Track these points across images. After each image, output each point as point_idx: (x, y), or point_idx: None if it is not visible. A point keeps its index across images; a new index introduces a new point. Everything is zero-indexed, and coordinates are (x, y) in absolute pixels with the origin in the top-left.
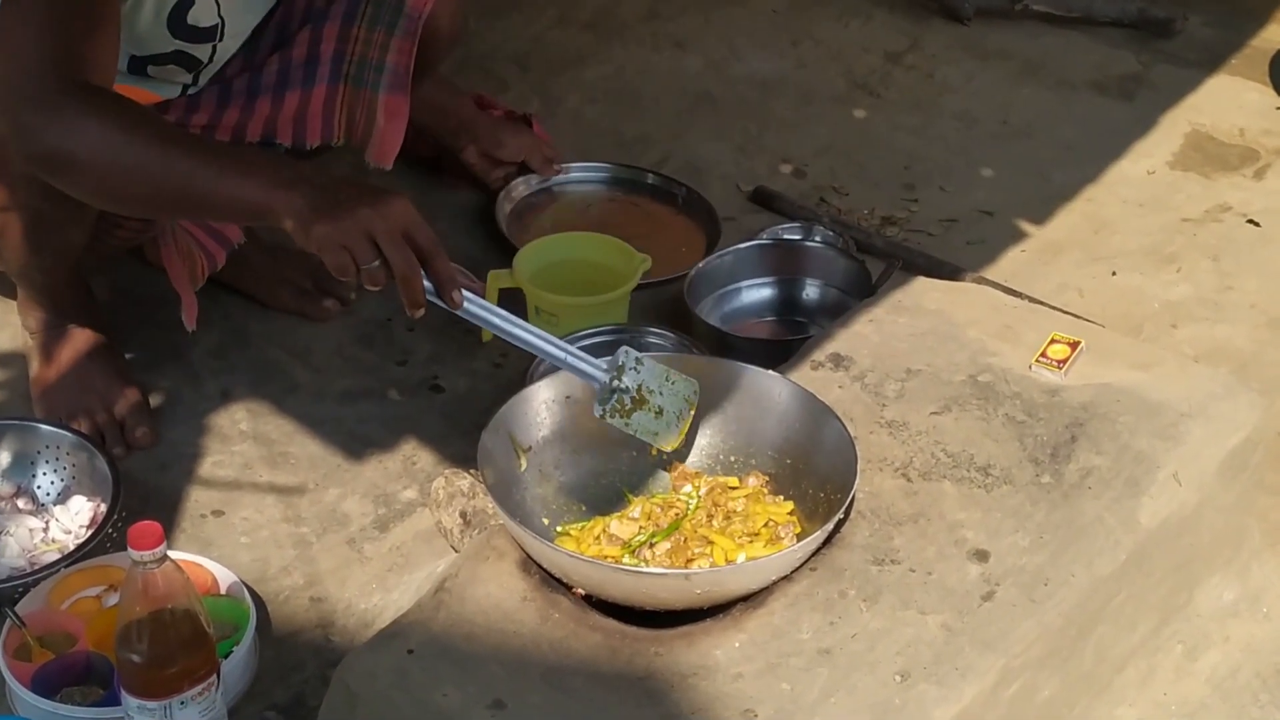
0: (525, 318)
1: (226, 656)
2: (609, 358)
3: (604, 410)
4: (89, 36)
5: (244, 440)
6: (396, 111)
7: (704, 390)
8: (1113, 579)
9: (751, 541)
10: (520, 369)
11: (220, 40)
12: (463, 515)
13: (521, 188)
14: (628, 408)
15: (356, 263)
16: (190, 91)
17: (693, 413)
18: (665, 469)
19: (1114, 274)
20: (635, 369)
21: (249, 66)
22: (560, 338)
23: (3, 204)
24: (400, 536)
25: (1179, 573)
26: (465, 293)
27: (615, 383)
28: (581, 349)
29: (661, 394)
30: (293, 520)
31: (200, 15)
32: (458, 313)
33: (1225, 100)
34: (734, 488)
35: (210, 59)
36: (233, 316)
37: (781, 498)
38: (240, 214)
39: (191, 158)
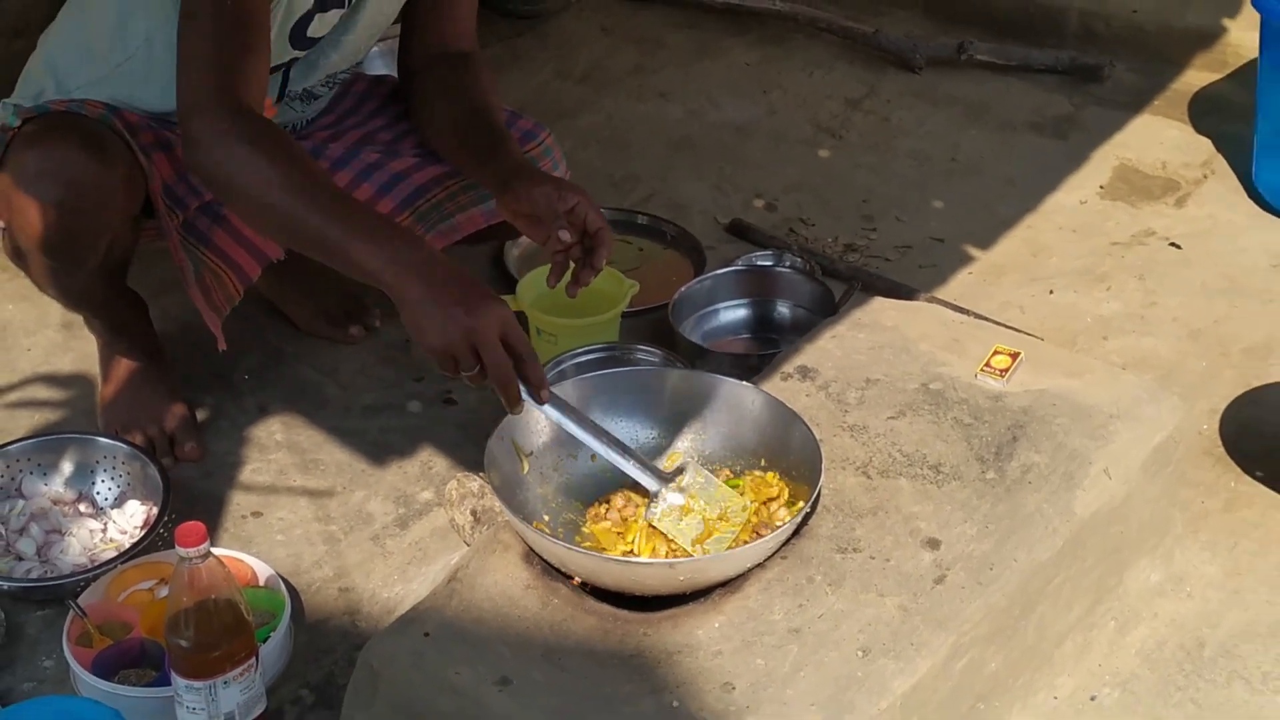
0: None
1: (264, 641)
2: (672, 469)
3: (653, 516)
4: (248, 52)
5: (279, 449)
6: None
7: (686, 399)
8: (1051, 563)
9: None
10: None
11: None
12: (473, 513)
13: (524, 238)
14: (676, 517)
15: (459, 368)
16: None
17: (739, 530)
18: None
19: (1051, 292)
20: (692, 482)
21: (338, 135)
22: (544, 365)
23: (34, 237)
24: (418, 533)
25: (1110, 557)
26: (553, 391)
27: (667, 493)
28: (577, 364)
29: (707, 505)
30: (323, 520)
31: (319, 28)
32: (542, 410)
33: (1149, 137)
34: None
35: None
36: (269, 340)
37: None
38: (361, 276)
39: (325, 212)
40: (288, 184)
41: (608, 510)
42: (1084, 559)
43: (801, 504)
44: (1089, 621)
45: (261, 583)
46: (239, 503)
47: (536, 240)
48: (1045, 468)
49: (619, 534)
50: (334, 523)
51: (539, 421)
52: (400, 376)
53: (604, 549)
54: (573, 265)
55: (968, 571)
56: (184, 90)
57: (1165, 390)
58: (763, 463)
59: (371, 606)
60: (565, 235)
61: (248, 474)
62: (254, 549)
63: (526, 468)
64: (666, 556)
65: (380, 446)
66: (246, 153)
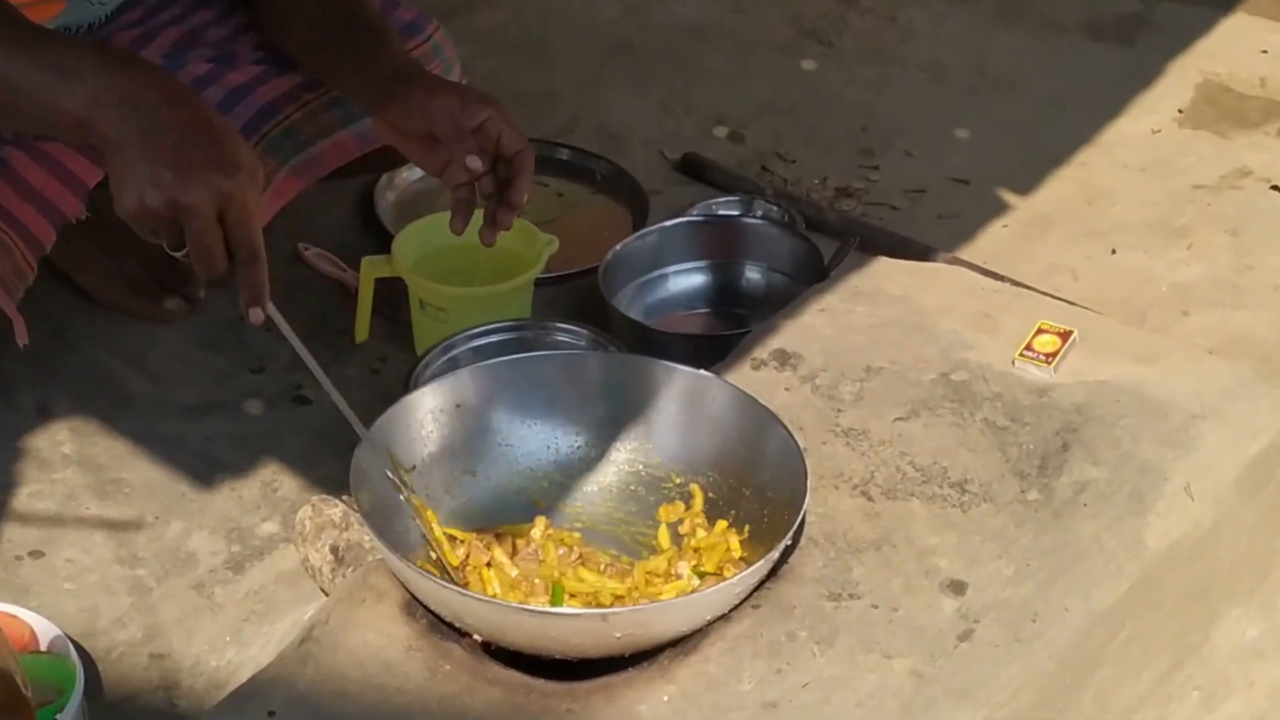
0: (408, 310)
1: None
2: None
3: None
4: None
5: (67, 465)
6: (284, 193)
7: (624, 394)
8: (1114, 613)
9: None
10: (401, 374)
11: None
12: (334, 550)
13: (406, 173)
14: None
15: (165, 241)
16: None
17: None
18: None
19: (1113, 252)
20: None
21: (150, 37)
22: (431, 350)
23: None
24: (258, 579)
25: (1194, 606)
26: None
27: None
28: (475, 349)
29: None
30: (128, 561)
31: None
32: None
33: (1244, 44)
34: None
35: None
36: (52, 314)
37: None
38: (63, 130)
39: (16, 58)
40: None
41: (521, 545)
42: (1158, 607)
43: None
44: (1165, 692)
45: (44, 647)
46: (11, 539)
47: (431, 170)
48: (1106, 485)
49: (536, 580)
50: (143, 565)
51: (425, 426)
52: (233, 366)
53: (515, 596)
54: (484, 204)
55: (1003, 625)
56: None
57: (1265, 382)
58: (730, 481)
59: (194, 679)
60: (474, 162)
61: (23, 499)
62: (34, 601)
63: (408, 488)
64: (601, 604)
65: (206, 461)
66: None
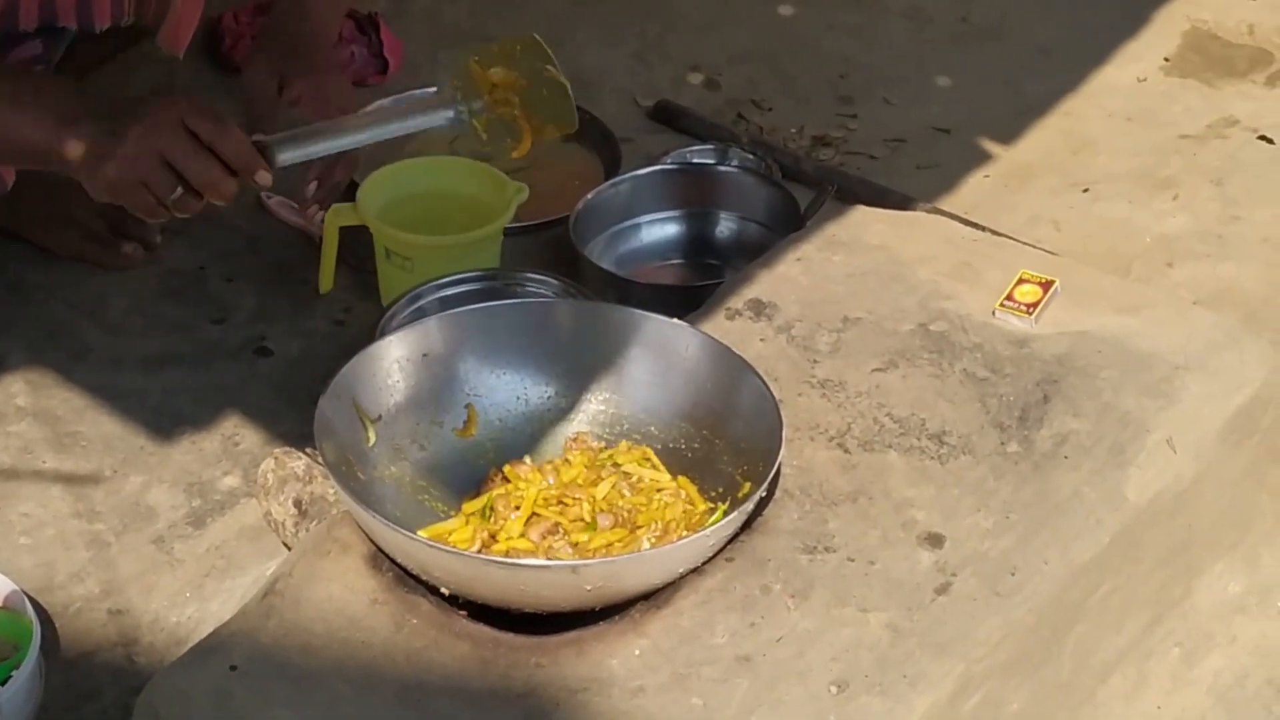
0: (373, 259)
1: (4, 684)
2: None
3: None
4: None
5: (22, 418)
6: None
7: (595, 343)
8: (1094, 567)
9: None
10: (366, 325)
11: None
12: (297, 504)
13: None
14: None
15: (159, 199)
16: None
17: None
18: (559, 441)
19: (1096, 203)
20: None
21: None
22: (396, 301)
23: None
24: (220, 534)
25: (1175, 560)
26: (270, 141)
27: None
28: (442, 299)
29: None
30: (85, 515)
31: None
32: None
33: None
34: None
35: None
36: (5, 266)
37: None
38: (27, 160)
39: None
40: None
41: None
42: (1139, 562)
43: (751, 486)
44: (1145, 647)
45: (0, 603)
46: None
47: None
48: (1087, 437)
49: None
50: (101, 520)
51: (392, 375)
52: (193, 316)
53: (483, 548)
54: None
55: (981, 578)
56: None
57: (1250, 333)
58: (704, 433)
59: (154, 635)
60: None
61: None
62: None
63: (372, 438)
64: (571, 557)
65: (165, 413)
66: None
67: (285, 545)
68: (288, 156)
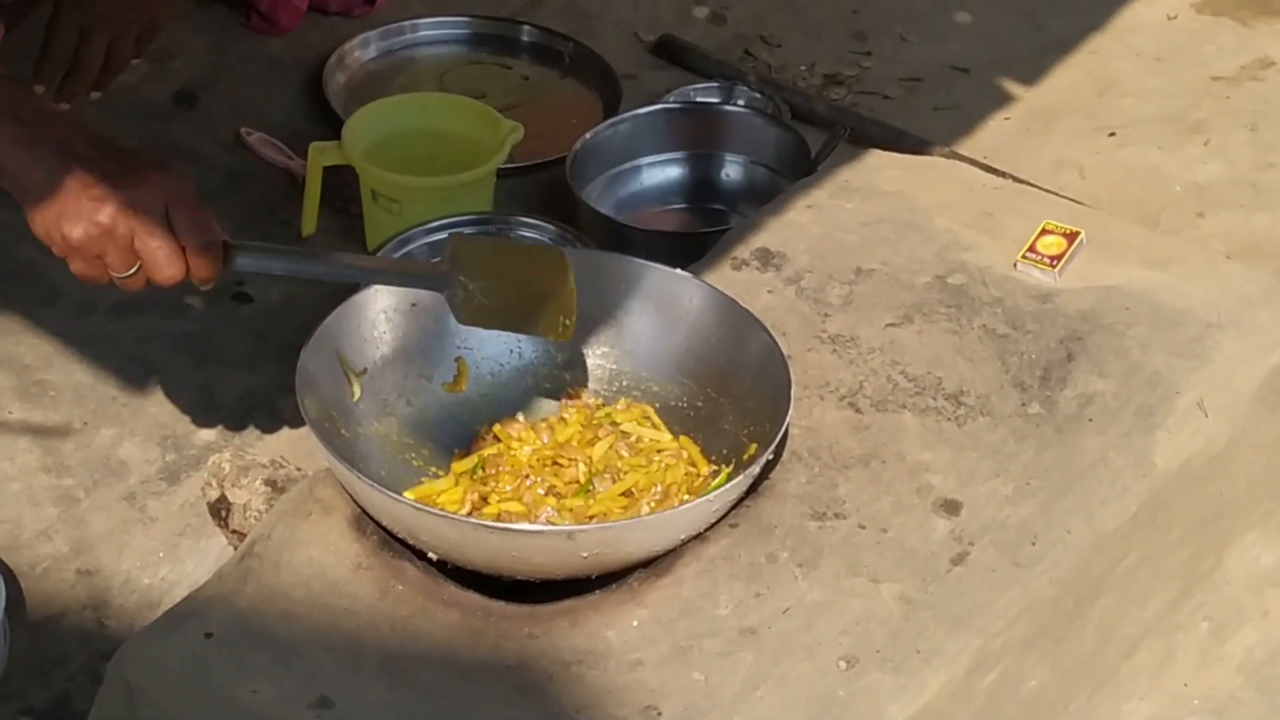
0: (359, 202)
1: None
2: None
3: (464, 315)
4: None
5: None
6: None
7: (593, 294)
8: (1120, 537)
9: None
10: None
11: None
12: (270, 484)
13: (359, 52)
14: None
15: (109, 275)
16: None
17: (572, 285)
18: (555, 397)
19: (1123, 148)
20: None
21: None
22: (383, 245)
23: None
24: (195, 490)
25: (1205, 529)
26: (238, 246)
27: (464, 280)
28: (431, 244)
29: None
30: (54, 470)
31: None
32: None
33: None
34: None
35: None
36: None
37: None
38: None
39: None
40: None
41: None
42: (1167, 531)
43: (757, 448)
44: (1173, 621)
45: None
46: None
47: None
48: (1114, 399)
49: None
50: (70, 474)
51: (378, 326)
52: None
53: (473, 511)
54: None
55: (999, 548)
56: None
57: None
58: (708, 390)
59: (125, 597)
60: None
61: None
62: None
63: (357, 392)
64: (563, 521)
65: (138, 362)
66: None
67: (237, 534)
68: (245, 263)
